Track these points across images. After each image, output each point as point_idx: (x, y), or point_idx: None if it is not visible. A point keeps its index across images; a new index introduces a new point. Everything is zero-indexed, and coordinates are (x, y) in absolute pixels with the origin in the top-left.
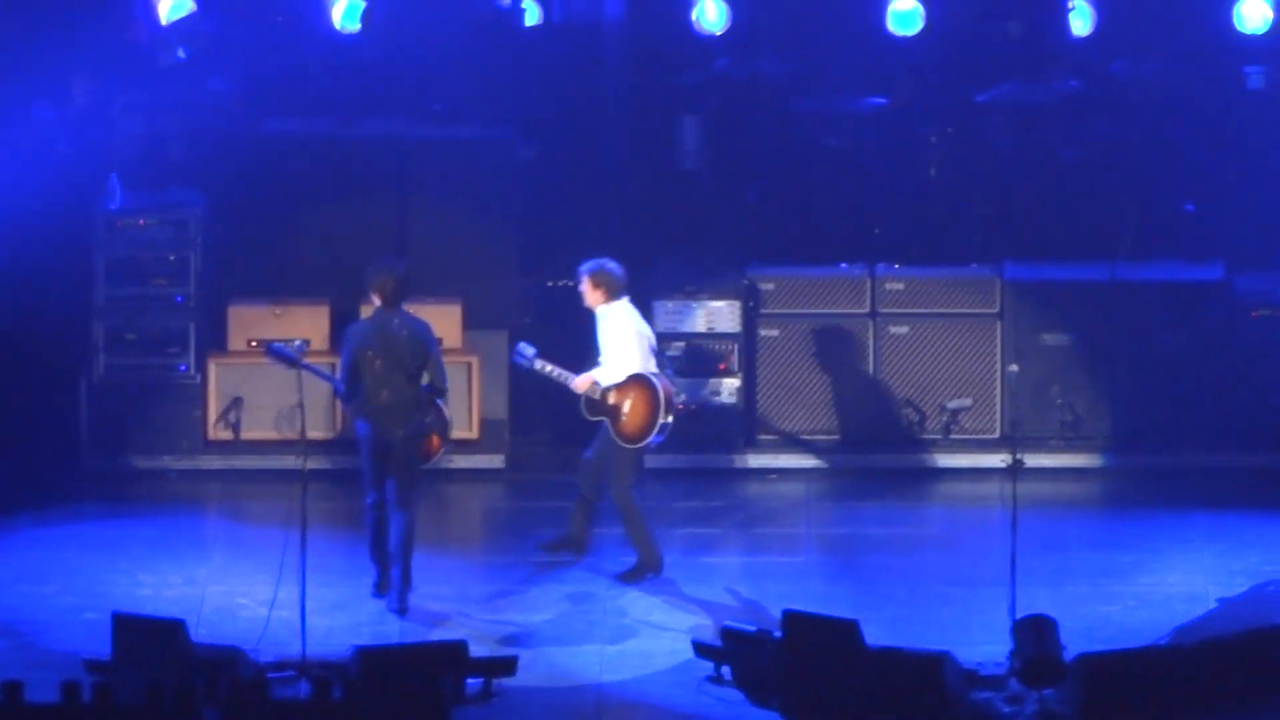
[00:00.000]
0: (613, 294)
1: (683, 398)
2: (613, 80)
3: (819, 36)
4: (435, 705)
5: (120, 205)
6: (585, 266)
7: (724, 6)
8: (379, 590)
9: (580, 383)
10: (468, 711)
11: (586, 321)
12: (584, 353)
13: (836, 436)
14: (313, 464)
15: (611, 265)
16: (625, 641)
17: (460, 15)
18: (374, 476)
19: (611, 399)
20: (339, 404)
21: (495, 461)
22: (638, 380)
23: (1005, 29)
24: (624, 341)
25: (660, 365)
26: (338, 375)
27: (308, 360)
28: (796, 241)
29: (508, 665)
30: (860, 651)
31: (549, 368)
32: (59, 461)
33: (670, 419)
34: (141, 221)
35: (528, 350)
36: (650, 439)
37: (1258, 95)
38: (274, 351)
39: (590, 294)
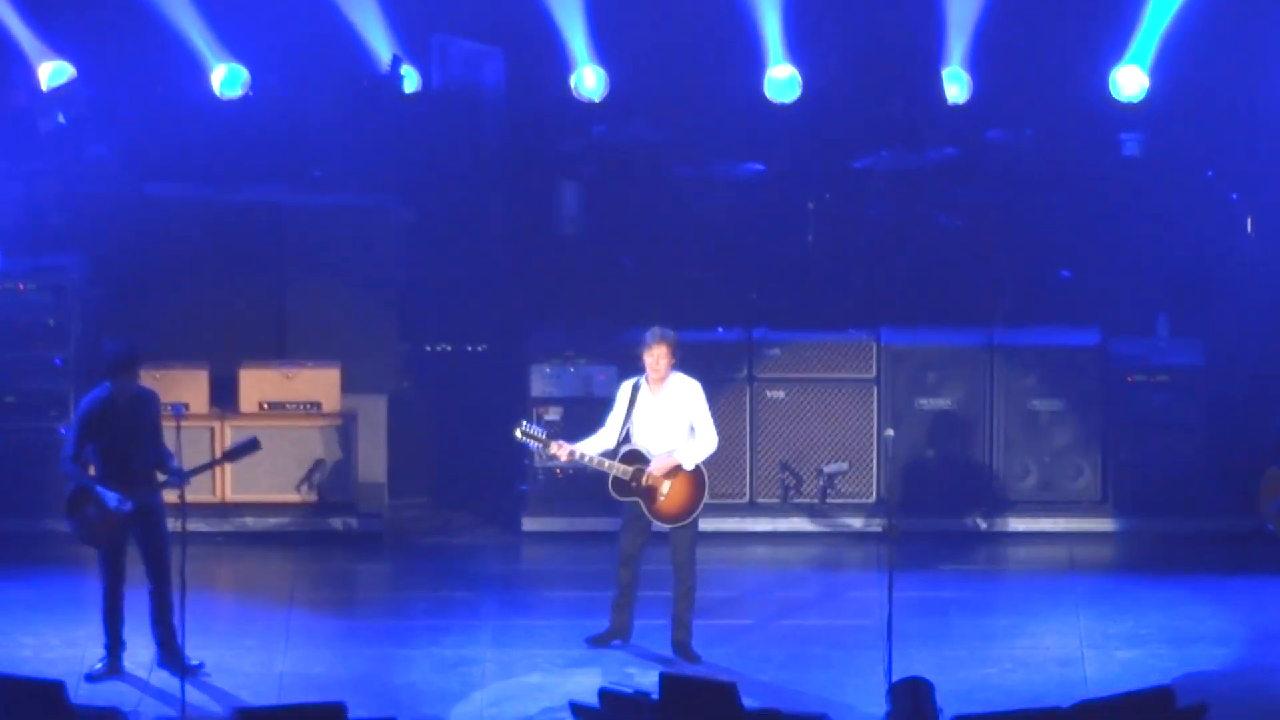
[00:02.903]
0: (675, 363)
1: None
2: (491, 146)
3: (697, 103)
4: None
5: None
6: (662, 331)
7: (602, 73)
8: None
9: (663, 467)
10: None
11: (464, 385)
12: (470, 417)
13: (712, 500)
14: (193, 526)
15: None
16: (504, 704)
17: (339, 82)
18: None
19: (645, 480)
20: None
21: (373, 524)
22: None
23: (882, 97)
24: (706, 413)
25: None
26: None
27: None
28: (674, 306)
29: None
30: (738, 714)
31: (577, 452)
32: None
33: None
34: (21, 286)
35: (537, 432)
36: (694, 517)
37: (1133, 162)
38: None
39: (666, 360)
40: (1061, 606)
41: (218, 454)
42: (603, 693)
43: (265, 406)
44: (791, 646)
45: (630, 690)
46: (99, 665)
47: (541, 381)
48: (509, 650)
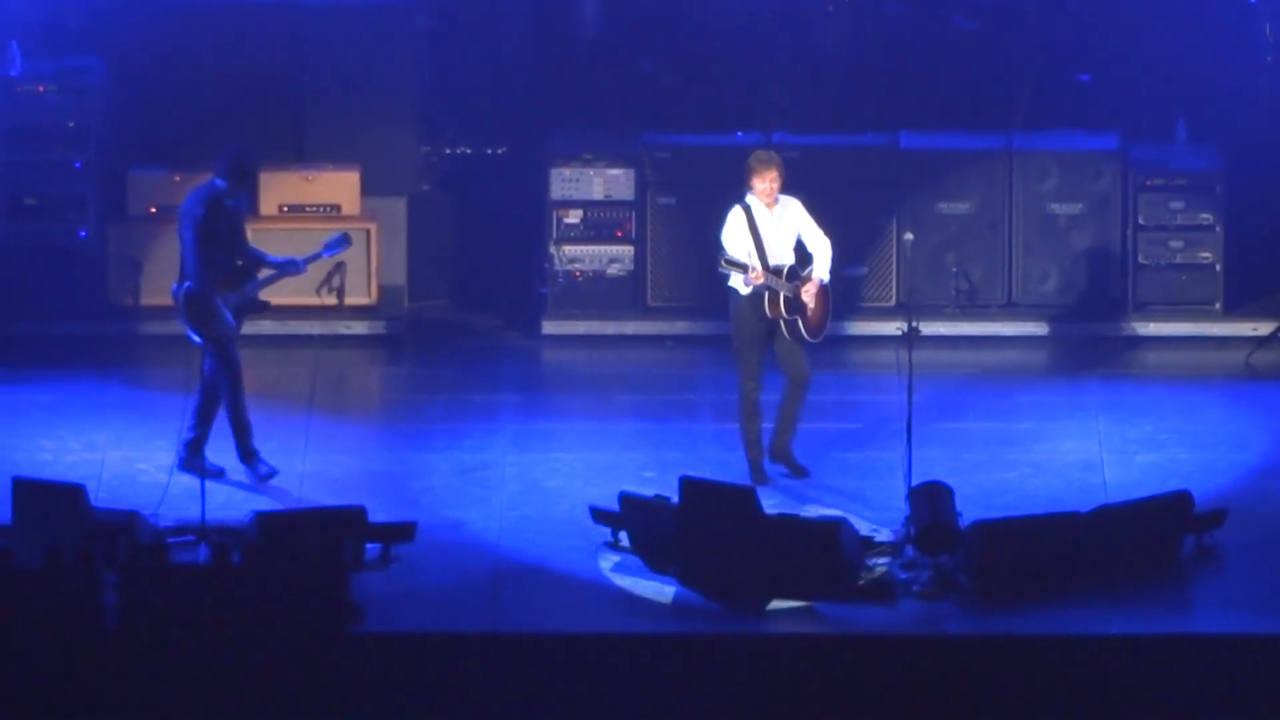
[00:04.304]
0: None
1: None
2: None
3: None
4: (334, 570)
5: (19, 72)
6: (769, 155)
7: None
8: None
9: (815, 279)
10: (366, 577)
11: (486, 190)
12: (490, 220)
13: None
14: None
15: None
16: (523, 507)
17: None
18: None
19: (806, 295)
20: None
21: (393, 327)
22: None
23: None
24: (813, 222)
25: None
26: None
27: None
28: (693, 109)
29: (407, 531)
30: (757, 518)
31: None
32: None
33: None
34: (41, 88)
35: (738, 260)
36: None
37: None
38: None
39: (779, 182)
40: (1081, 411)
41: None
42: (623, 497)
43: (285, 209)
44: (810, 450)
45: (651, 495)
46: (253, 472)
47: (561, 184)
48: (529, 454)
